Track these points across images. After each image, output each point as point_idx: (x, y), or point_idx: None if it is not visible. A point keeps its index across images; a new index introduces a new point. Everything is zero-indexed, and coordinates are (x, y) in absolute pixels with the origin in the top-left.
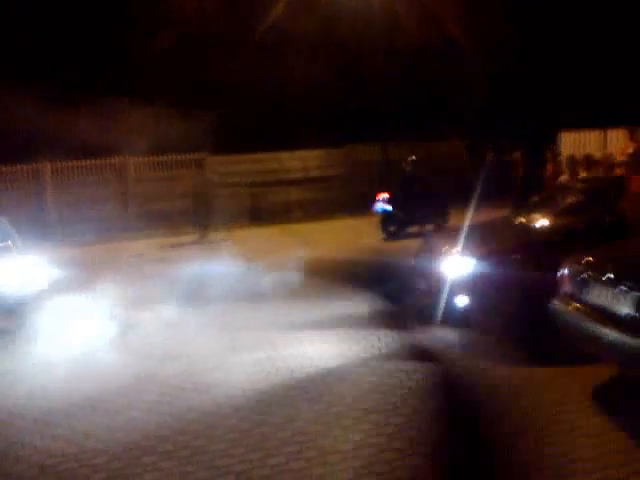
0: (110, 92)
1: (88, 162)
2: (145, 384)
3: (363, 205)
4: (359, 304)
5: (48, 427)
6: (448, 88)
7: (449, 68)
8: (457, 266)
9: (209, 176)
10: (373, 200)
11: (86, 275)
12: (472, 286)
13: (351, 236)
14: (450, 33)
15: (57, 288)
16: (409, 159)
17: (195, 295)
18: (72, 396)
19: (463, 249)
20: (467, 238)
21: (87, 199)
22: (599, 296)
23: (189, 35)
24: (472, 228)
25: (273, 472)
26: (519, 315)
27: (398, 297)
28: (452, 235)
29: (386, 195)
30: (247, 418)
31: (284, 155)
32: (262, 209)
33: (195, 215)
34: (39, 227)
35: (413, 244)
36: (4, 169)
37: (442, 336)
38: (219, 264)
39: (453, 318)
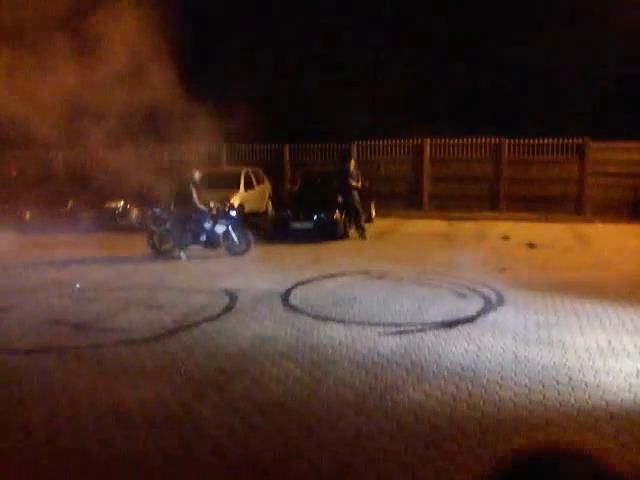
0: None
1: (464, 140)
2: (519, 366)
3: None
4: None
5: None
6: None
7: None
8: None
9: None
10: None
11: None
12: None
13: None
14: None
15: None
16: None
17: (569, 284)
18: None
19: None
20: None
21: (458, 175)
22: None
23: None
24: None
25: None
26: None
27: None
28: None
29: None
30: (624, 430)
31: None
32: None
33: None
34: (414, 196)
35: None
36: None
37: None
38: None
39: None
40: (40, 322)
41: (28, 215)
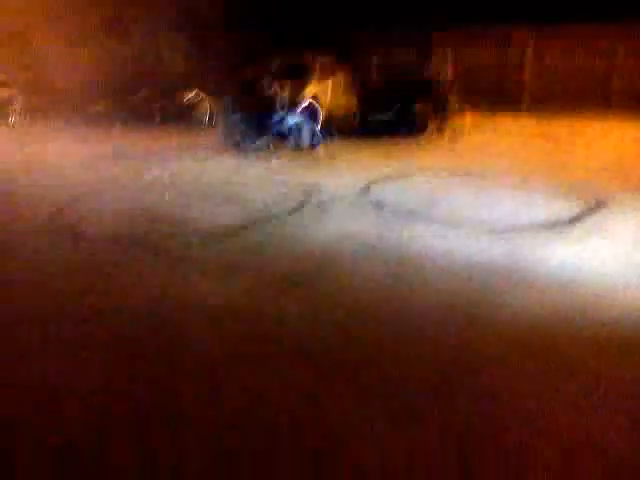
0: None
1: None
2: (630, 274)
3: None
4: None
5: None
6: None
7: None
8: None
9: None
10: None
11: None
12: None
13: None
14: None
15: None
16: None
17: None
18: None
19: None
20: None
21: (558, 70)
22: None
23: None
24: None
25: None
26: None
27: None
28: None
29: None
30: None
31: None
32: None
33: None
34: (506, 91)
35: None
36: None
37: None
38: None
39: None
40: (113, 212)
41: (98, 106)
